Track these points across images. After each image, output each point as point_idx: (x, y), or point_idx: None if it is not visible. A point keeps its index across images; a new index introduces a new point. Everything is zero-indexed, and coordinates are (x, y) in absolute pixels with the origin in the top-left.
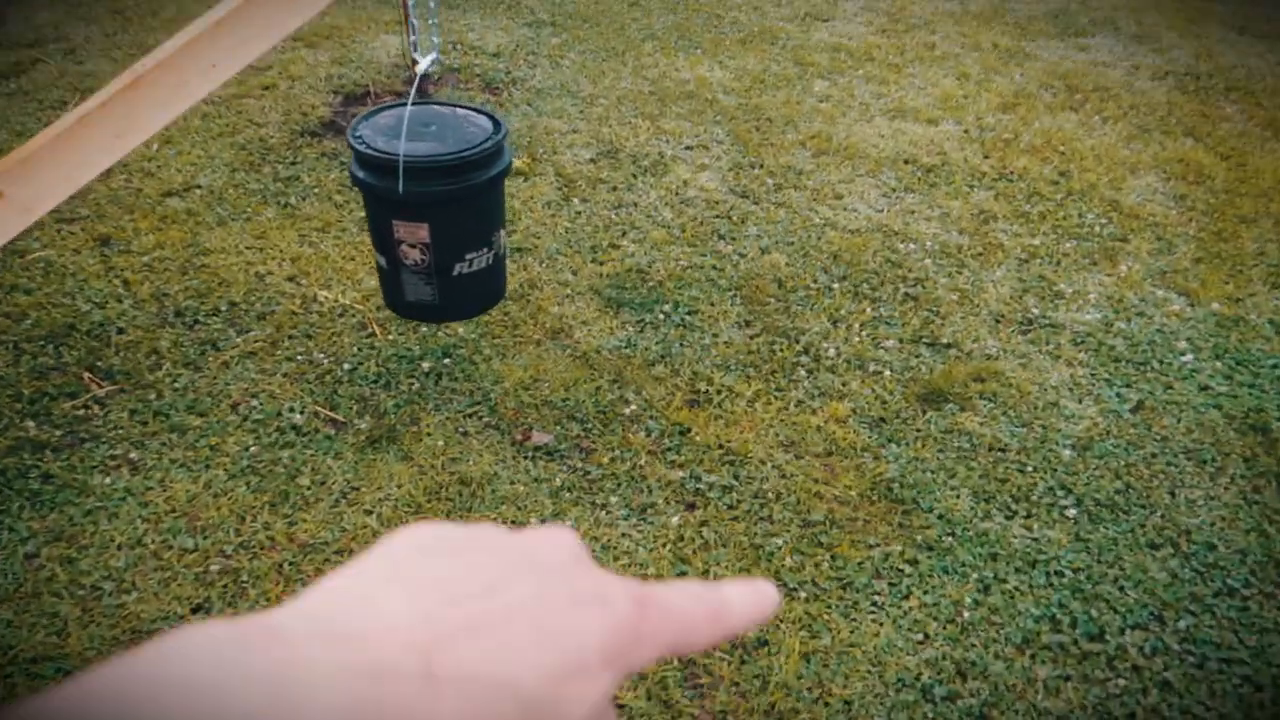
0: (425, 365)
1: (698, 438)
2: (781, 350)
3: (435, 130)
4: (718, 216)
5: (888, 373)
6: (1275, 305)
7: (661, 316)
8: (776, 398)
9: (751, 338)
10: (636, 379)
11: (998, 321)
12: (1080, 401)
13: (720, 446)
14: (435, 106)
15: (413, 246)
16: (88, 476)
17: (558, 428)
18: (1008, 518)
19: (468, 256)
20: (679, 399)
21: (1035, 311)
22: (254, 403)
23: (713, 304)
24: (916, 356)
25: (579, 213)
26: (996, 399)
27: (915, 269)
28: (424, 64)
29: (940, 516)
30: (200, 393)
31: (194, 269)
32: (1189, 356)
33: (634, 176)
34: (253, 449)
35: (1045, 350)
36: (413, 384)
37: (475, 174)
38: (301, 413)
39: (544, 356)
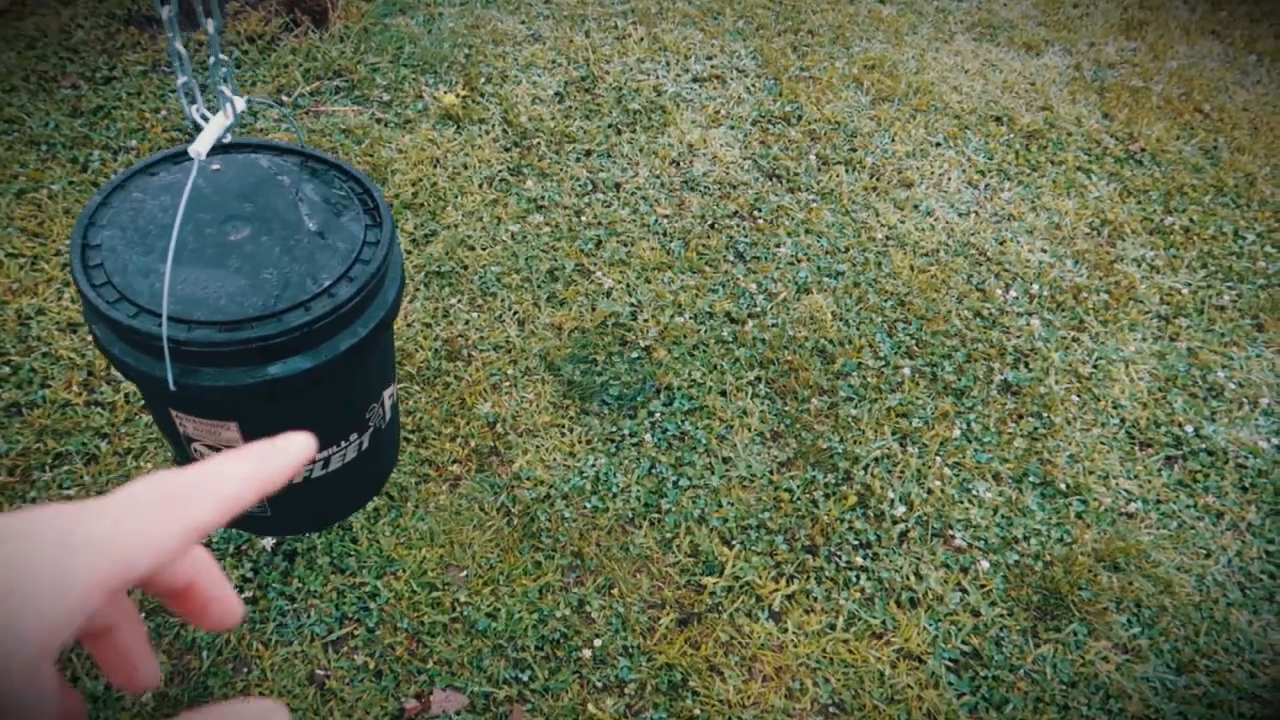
0: (267, 540)
1: (697, 700)
2: (826, 500)
3: (250, 238)
4: (737, 215)
5: (982, 559)
6: None
7: (648, 423)
8: (819, 605)
9: (781, 466)
10: (605, 563)
11: (1133, 440)
12: (1257, 612)
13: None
14: (259, 161)
15: (215, 449)
16: None
17: (475, 677)
18: None
19: (319, 457)
20: (668, 614)
21: (1185, 426)
22: None
23: (725, 394)
24: (1021, 513)
25: (533, 201)
26: (1140, 611)
27: (1016, 330)
28: (214, 131)
29: None
30: None
31: None
32: None
33: (617, 130)
34: None
35: (1202, 503)
36: (244, 580)
37: (327, 344)
38: None
39: (462, 514)
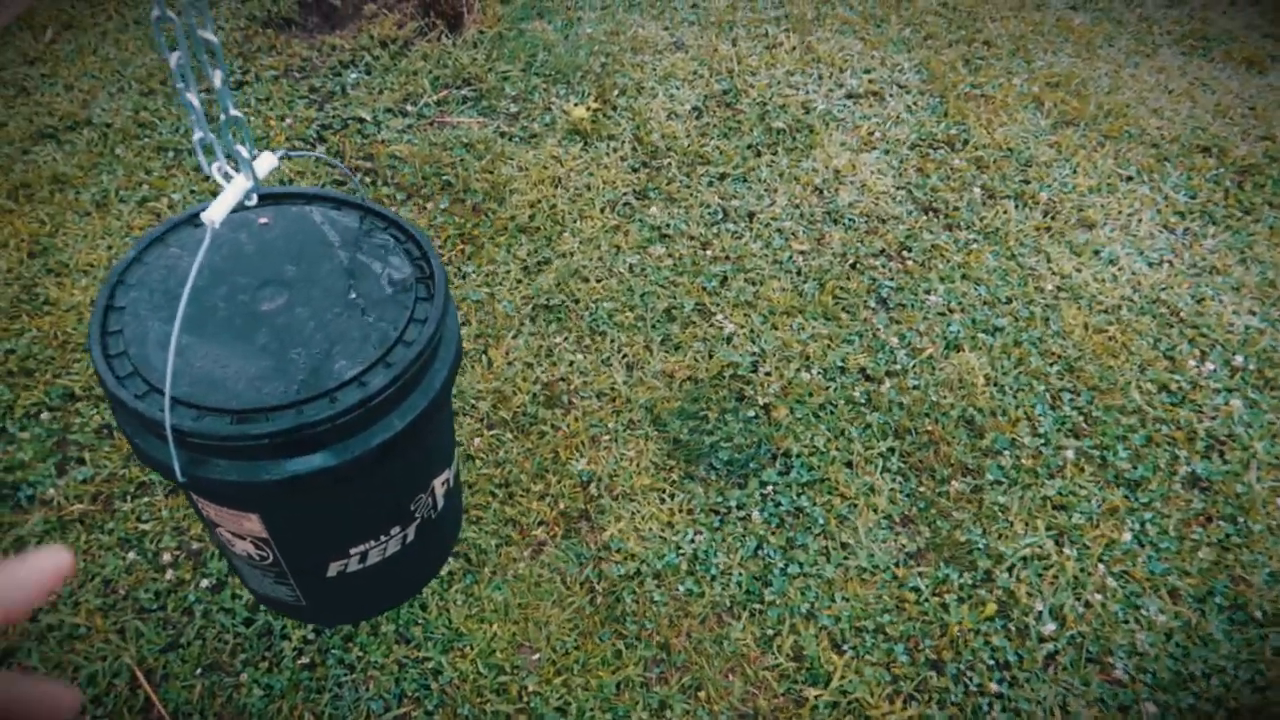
0: None
1: None
2: (959, 605)
3: (284, 308)
4: (883, 254)
5: (1147, 699)
6: None
7: (759, 495)
8: None
9: (909, 559)
10: (694, 658)
11: None
12: None
13: None
14: (313, 216)
15: (239, 536)
16: None
17: None
18: None
19: (354, 551)
20: None
21: None
22: None
23: (850, 465)
24: (1202, 643)
25: (657, 229)
26: None
27: (1210, 410)
28: (232, 197)
29: None
30: None
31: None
32: None
33: (757, 152)
34: None
35: None
36: (305, 642)
37: (356, 439)
38: None
39: (542, 585)
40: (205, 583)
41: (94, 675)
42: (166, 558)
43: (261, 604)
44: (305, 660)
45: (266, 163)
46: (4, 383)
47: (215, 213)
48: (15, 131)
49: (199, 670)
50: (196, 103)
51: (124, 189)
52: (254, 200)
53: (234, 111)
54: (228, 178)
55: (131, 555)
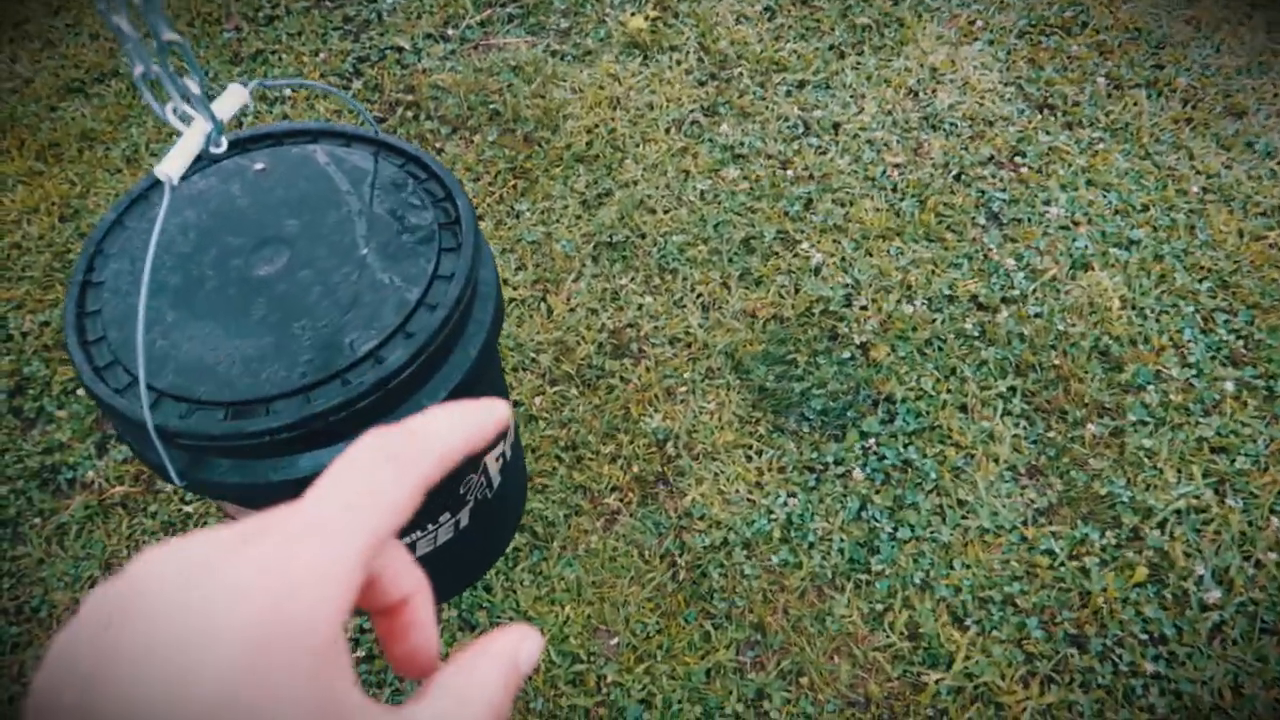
0: None
1: None
2: (1102, 570)
3: (284, 271)
4: (992, 162)
5: None
6: None
7: (859, 448)
8: None
9: (1040, 516)
10: (793, 639)
11: None
12: None
13: None
14: (317, 157)
15: None
16: None
17: None
18: None
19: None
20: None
21: None
22: None
23: (965, 410)
24: None
25: (729, 149)
26: None
27: None
28: (190, 146)
29: None
30: None
31: None
32: None
33: (840, 54)
34: None
35: None
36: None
37: (380, 425)
38: None
39: (617, 561)
40: None
41: None
42: None
43: None
44: (361, 653)
45: (233, 99)
46: (39, 358)
47: (171, 165)
48: (42, 87)
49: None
50: (126, 26)
51: (154, 142)
52: (222, 146)
53: (170, 35)
54: (186, 120)
55: None
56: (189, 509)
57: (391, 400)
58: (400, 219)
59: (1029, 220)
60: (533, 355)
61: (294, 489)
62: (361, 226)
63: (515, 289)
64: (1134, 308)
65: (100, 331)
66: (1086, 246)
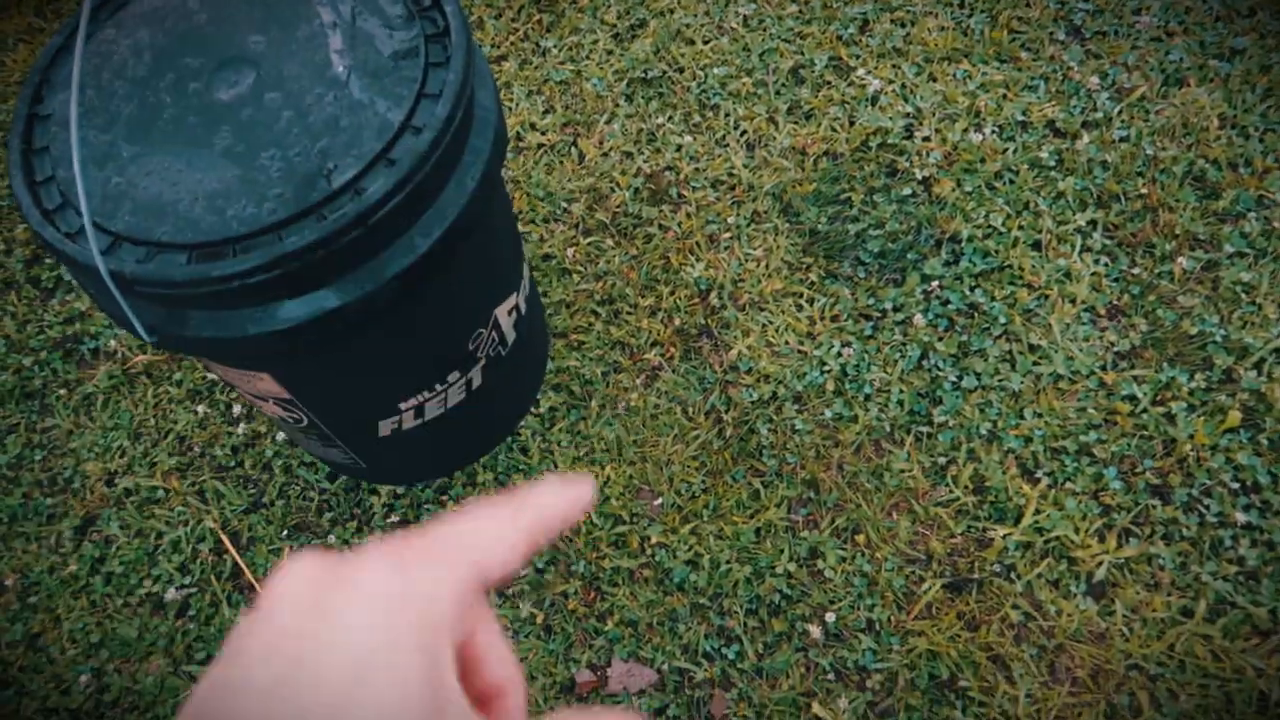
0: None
1: (970, 707)
2: (1190, 415)
3: (249, 94)
4: None
5: None
6: None
7: (921, 292)
8: (1168, 579)
9: (1120, 359)
10: (848, 495)
11: None
12: None
13: None
14: None
15: (260, 398)
16: None
17: (667, 646)
18: None
19: (405, 406)
20: (935, 577)
21: None
22: None
23: (1038, 247)
24: None
25: None
26: None
27: None
28: None
29: None
30: None
31: None
32: None
33: None
34: None
35: None
36: (396, 497)
37: (366, 267)
38: None
39: (659, 419)
40: (281, 435)
41: (177, 542)
42: (238, 409)
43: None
44: (396, 518)
45: None
46: None
47: None
48: None
49: (284, 532)
50: None
51: None
52: None
53: None
54: None
55: (202, 408)
56: (213, 375)
57: (376, 239)
58: (380, 31)
59: (1115, 33)
60: (564, 204)
61: (275, 343)
62: (336, 40)
63: (544, 133)
64: (1235, 126)
65: (49, 170)
66: (1181, 59)
